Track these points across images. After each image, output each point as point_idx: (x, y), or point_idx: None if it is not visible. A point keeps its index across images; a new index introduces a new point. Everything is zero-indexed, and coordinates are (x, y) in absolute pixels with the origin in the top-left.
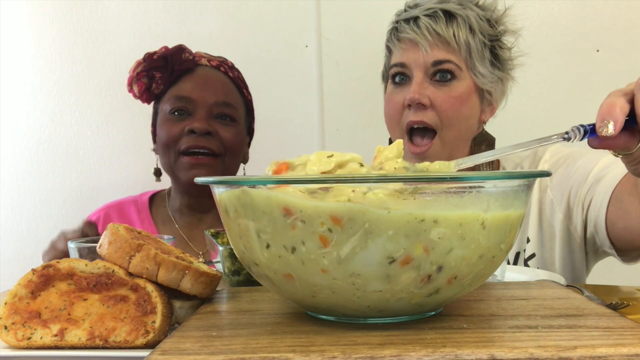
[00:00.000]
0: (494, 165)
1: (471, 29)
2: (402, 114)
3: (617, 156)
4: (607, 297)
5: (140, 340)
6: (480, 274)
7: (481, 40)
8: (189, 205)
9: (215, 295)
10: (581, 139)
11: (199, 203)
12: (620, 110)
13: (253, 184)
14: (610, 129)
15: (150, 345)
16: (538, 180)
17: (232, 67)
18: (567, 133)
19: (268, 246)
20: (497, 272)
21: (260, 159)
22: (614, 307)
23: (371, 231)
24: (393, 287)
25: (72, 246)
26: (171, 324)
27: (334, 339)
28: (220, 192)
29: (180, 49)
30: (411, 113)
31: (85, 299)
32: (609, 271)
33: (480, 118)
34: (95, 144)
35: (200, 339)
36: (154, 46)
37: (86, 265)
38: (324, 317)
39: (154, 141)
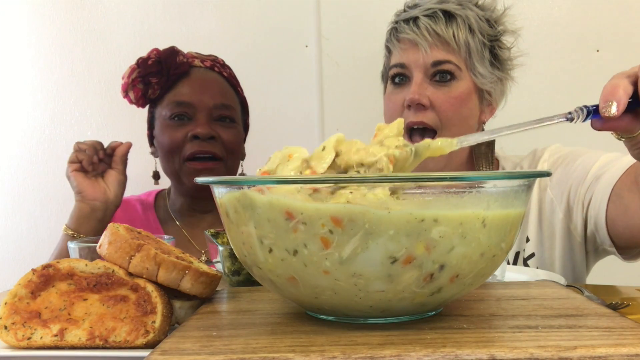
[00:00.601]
0: (494, 165)
1: (471, 29)
2: (401, 115)
3: (619, 139)
4: (607, 297)
5: (140, 340)
6: (481, 272)
7: (481, 41)
8: (191, 207)
9: (215, 295)
10: (584, 120)
11: (201, 204)
12: (624, 92)
13: (253, 183)
14: (614, 109)
15: (150, 345)
16: (538, 179)
17: (223, 65)
18: (570, 113)
19: (271, 250)
20: (497, 272)
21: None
22: (614, 307)
23: (371, 232)
24: (395, 286)
25: (72, 246)
26: (171, 324)
27: (334, 339)
28: (221, 197)
29: (174, 52)
30: (411, 113)
31: (85, 299)
32: (609, 271)
33: (480, 118)
34: None
35: (200, 339)
36: (154, 46)
37: (86, 265)
38: (324, 317)
39: (151, 144)
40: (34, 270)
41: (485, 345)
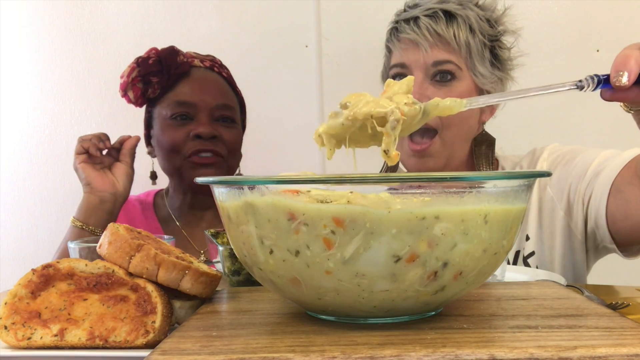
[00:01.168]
0: (494, 165)
1: (471, 29)
2: None
3: (628, 111)
4: (607, 297)
5: (140, 340)
6: (483, 270)
7: (481, 41)
8: (190, 204)
9: (215, 295)
10: (594, 89)
11: (201, 201)
12: (635, 62)
13: (253, 183)
14: (624, 79)
15: (150, 345)
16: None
17: (222, 66)
18: (580, 81)
19: (272, 252)
20: (497, 272)
21: (260, 158)
22: (614, 307)
23: (372, 231)
24: (399, 285)
25: (72, 246)
26: (171, 324)
27: (334, 339)
28: (222, 198)
29: (174, 52)
30: None
31: (85, 299)
32: (609, 271)
33: (480, 118)
34: None
35: (200, 339)
36: (155, 46)
37: (86, 265)
38: (324, 317)
39: (148, 144)
40: (34, 270)
41: (485, 345)
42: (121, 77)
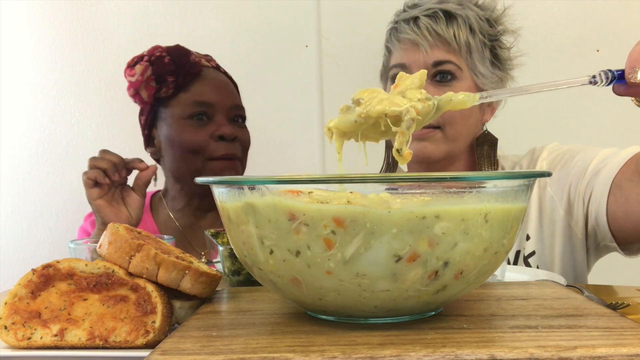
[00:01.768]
0: (495, 165)
1: (471, 29)
2: None
3: (639, 106)
4: (607, 297)
5: (140, 340)
6: (484, 269)
7: (481, 40)
8: (197, 206)
9: (215, 295)
10: (607, 84)
11: (208, 202)
12: None
13: (253, 183)
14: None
15: (150, 345)
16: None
17: (219, 66)
18: (594, 77)
19: (272, 252)
20: (497, 272)
21: (260, 158)
22: (614, 307)
23: (373, 231)
24: (400, 285)
25: (72, 246)
26: (171, 324)
27: (334, 339)
28: (222, 198)
29: (186, 51)
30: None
31: (85, 299)
32: (609, 271)
33: (481, 118)
34: (95, 144)
35: (200, 339)
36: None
37: (86, 265)
38: (324, 317)
39: (148, 144)
40: (34, 270)
41: (485, 345)
42: (130, 75)
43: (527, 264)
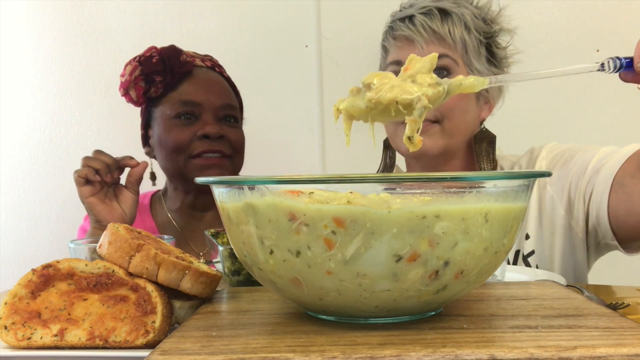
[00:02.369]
0: (493, 164)
1: (466, 26)
2: None
3: None
4: (607, 297)
5: (140, 340)
6: (484, 269)
7: (477, 38)
8: (192, 205)
9: (215, 295)
10: (615, 71)
11: (202, 202)
12: None
13: (253, 183)
14: None
15: (150, 345)
16: None
17: (220, 66)
18: (602, 65)
19: (272, 252)
20: (497, 272)
21: (260, 158)
22: (614, 307)
23: (373, 231)
24: (401, 285)
25: (72, 246)
26: (171, 324)
27: (334, 339)
28: (222, 198)
29: (177, 51)
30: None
31: (85, 299)
32: (609, 271)
33: (479, 115)
34: (95, 144)
35: (200, 339)
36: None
37: (86, 265)
38: (324, 317)
39: (145, 144)
40: (34, 270)
41: (485, 345)
42: (122, 75)
43: (527, 263)
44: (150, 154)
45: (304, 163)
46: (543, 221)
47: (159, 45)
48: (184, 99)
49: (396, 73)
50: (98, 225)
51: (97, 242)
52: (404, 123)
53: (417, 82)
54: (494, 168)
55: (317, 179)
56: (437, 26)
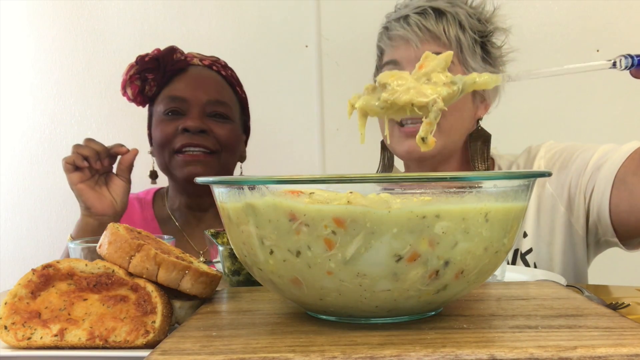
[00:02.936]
0: (489, 162)
1: (461, 26)
2: None
3: None
4: (607, 297)
5: (140, 340)
6: (485, 269)
7: (472, 37)
8: (187, 205)
9: (215, 295)
10: (627, 69)
11: (198, 202)
12: None
13: (253, 183)
14: None
15: (150, 345)
16: None
17: (225, 66)
18: (614, 63)
19: (272, 252)
20: (497, 272)
21: (260, 158)
22: (614, 307)
23: (373, 231)
24: (401, 285)
25: (72, 246)
26: (171, 324)
27: (334, 339)
28: (222, 198)
29: (172, 50)
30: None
31: (85, 299)
32: (609, 271)
33: (475, 114)
34: None
35: (200, 339)
36: (154, 46)
37: (86, 265)
38: (324, 317)
39: (151, 144)
40: (34, 270)
41: (485, 345)
42: (123, 75)
43: (525, 262)
44: (152, 153)
45: (304, 163)
46: (541, 219)
47: (160, 46)
48: (172, 95)
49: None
50: (87, 213)
51: (97, 242)
52: (398, 123)
53: (432, 80)
54: (488, 167)
55: (317, 179)
56: (431, 25)
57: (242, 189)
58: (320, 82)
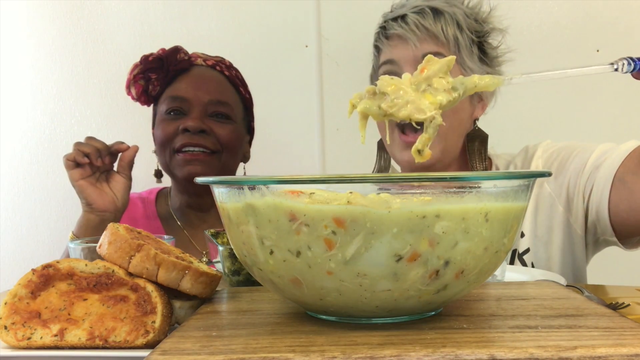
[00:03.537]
0: (486, 162)
1: (458, 25)
2: None
3: None
4: (607, 297)
5: (140, 340)
6: (485, 268)
7: (469, 37)
8: (188, 204)
9: (215, 295)
10: (629, 72)
11: (198, 202)
12: None
13: (253, 183)
14: None
15: (150, 345)
16: None
17: (229, 67)
18: (615, 67)
19: (272, 252)
20: (497, 272)
21: (260, 158)
22: (614, 307)
23: (373, 231)
24: (401, 285)
25: (72, 246)
26: (171, 324)
27: (334, 339)
28: (222, 198)
29: (176, 50)
30: None
31: (85, 299)
32: (608, 271)
33: (472, 114)
34: None
35: (200, 339)
36: (154, 46)
37: (86, 265)
38: (324, 317)
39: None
40: (34, 270)
41: (485, 345)
42: (128, 74)
43: (522, 262)
44: (156, 152)
45: (304, 163)
46: (538, 219)
47: (160, 46)
48: (174, 95)
49: (390, 73)
50: (89, 209)
51: (97, 242)
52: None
53: (433, 86)
54: (486, 167)
55: (317, 179)
56: (429, 24)
57: (242, 189)
58: (320, 82)
